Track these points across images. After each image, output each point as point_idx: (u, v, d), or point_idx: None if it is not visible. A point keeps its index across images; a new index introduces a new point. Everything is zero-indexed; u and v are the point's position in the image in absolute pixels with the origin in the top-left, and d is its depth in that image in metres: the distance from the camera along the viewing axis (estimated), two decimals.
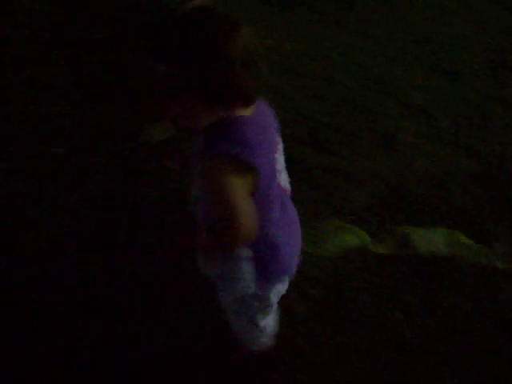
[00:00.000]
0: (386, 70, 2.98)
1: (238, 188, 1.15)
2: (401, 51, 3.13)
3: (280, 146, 1.32)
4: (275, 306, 1.57)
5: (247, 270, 1.36)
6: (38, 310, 1.89)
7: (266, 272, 1.36)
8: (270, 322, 1.62)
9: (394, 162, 2.45)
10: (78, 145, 2.43)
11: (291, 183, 1.41)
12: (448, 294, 1.98)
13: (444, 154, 2.53)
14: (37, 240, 2.08)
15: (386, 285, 1.99)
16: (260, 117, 1.24)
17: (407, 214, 2.25)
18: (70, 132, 2.49)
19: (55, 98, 2.65)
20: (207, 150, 1.14)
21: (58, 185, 2.30)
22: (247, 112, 1.20)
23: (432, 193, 2.34)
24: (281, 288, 1.47)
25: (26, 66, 2.84)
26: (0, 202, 2.20)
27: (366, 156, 2.47)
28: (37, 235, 2.11)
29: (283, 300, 1.88)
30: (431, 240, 2.15)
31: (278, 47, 3.06)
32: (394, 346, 1.83)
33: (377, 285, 1.99)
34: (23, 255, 2.03)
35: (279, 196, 1.31)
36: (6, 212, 2.19)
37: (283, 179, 1.34)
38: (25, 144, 2.45)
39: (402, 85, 2.89)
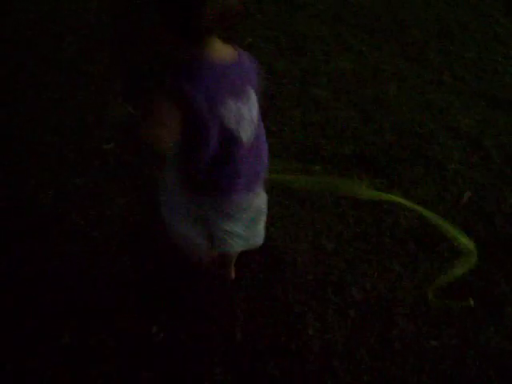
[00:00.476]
0: (439, 96, 2.95)
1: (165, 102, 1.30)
2: (455, 78, 3.11)
3: (248, 100, 1.41)
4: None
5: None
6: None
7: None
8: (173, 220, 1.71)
9: (440, 189, 2.41)
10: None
11: None
12: (495, 334, 1.95)
13: (491, 185, 2.48)
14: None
15: (430, 314, 2.01)
16: (233, 67, 1.36)
17: (449, 243, 2.25)
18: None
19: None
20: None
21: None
22: (219, 56, 1.33)
23: (476, 225, 2.33)
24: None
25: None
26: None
27: (414, 182, 2.43)
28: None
29: (319, 318, 1.91)
30: None
31: (328, 63, 3.09)
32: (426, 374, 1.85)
33: (422, 313, 2.00)
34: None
35: (226, 142, 1.41)
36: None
37: (244, 130, 1.42)
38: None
39: (454, 111, 2.86)
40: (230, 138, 1.42)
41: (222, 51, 1.35)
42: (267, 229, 1.82)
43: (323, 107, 2.75)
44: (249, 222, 1.71)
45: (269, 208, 1.75)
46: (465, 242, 2.06)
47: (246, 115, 1.42)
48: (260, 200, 1.69)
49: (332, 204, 2.31)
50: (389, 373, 1.80)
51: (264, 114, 1.52)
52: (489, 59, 3.26)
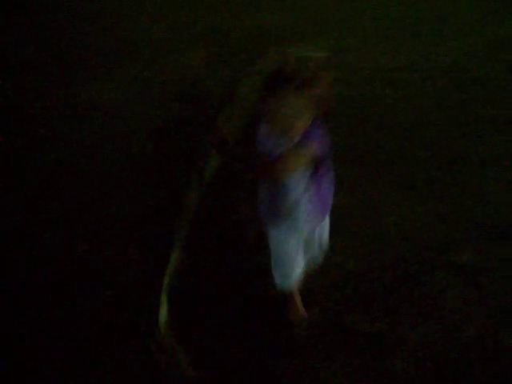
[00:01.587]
0: (436, 229, 2.98)
1: None
2: (453, 210, 3.16)
3: None
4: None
5: None
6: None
7: None
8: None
9: (438, 329, 2.35)
10: None
11: None
12: None
13: (493, 321, 2.39)
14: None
15: None
16: None
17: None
18: None
19: None
20: None
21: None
22: None
23: (480, 363, 2.24)
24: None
25: None
26: None
27: (410, 323, 2.37)
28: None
29: None
30: None
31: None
32: None
33: None
34: None
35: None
36: None
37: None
38: None
39: (453, 246, 2.84)
40: None
41: None
42: None
43: None
44: None
45: None
46: None
47: None
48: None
49: None
50: None
51: None
52: (489, 193, 3.29)
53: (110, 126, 4.01)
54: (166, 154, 3.62)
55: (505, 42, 5.16)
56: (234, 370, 2.22)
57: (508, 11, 5.80)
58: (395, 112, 4.10)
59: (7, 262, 2.66)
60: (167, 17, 5.87)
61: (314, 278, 2.49)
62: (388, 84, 4.47)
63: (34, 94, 4.26)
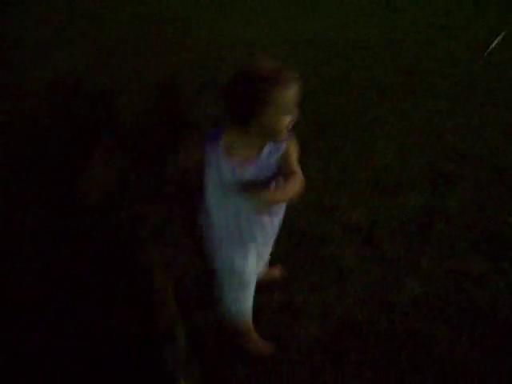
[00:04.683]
0: (327, 191, 3.06)
1: None
2: (342, 170, 3.28)
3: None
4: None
5: None
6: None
7: None
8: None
9: (340, 290, 2.44)
10: None
11: None
12: None
13: (389, 274, 2.54)
14: None
15: None
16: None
17: (358, 348, 2.21)
18: None
19: None
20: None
21: None
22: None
23: (378, 318, 2.33)
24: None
25: None
26: None
27: (314, 288, 2.44)
28: None
29: None
30: None
31: None
32: None
33: None
34: None
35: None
36: None
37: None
38: None
39: (344, 205, 2.97)
40: None
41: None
42: None
43: None
44: None
45: None
46: None
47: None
48: None
49: None
50: None
51: None
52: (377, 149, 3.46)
53: None
54: None
55: None
56: None
57: None
58: None
59: None
60: None
61: None
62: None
63: None
